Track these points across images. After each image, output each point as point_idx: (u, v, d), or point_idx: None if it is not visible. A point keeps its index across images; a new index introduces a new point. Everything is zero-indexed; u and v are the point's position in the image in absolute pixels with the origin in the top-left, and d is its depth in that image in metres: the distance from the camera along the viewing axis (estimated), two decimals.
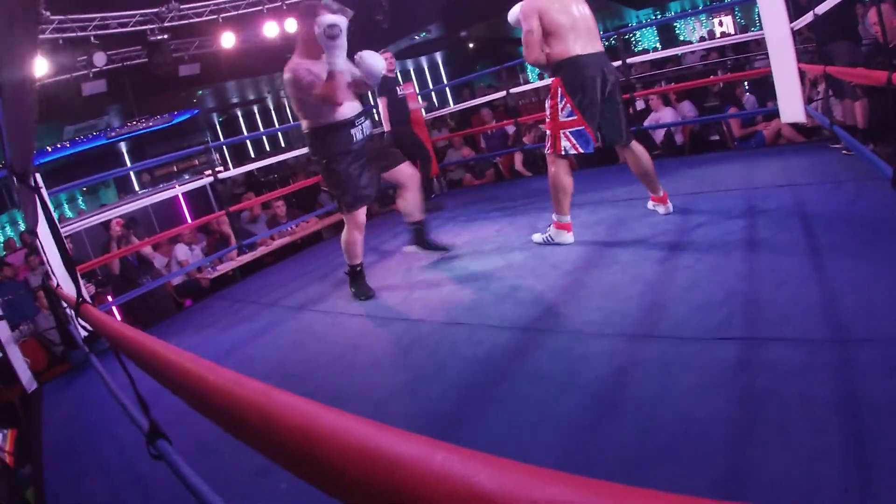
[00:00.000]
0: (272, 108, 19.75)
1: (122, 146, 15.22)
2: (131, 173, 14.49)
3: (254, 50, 9.79)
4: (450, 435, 1.71)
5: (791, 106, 4.30)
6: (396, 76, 5.70)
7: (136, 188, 14.44)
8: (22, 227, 13.13)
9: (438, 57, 17.48)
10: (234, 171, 5.96)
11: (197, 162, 15.69)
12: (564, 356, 1.98)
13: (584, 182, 5.01)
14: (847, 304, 1.84)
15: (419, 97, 5.99)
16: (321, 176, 3.18)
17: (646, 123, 6.17)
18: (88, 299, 3.53)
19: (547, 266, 2.96)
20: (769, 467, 1.25)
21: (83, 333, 3.65)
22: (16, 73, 1.35)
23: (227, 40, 9.20)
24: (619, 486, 0.27)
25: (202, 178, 6.18)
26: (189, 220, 6.86)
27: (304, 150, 7.65)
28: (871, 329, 1.66)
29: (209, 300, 4.74)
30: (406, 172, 3.32)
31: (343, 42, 2.82)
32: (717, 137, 6.21)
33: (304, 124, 3.09)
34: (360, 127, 3.08)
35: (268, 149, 19.06)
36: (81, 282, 3.51)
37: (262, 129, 19.00)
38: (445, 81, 17.38)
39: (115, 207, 5.70)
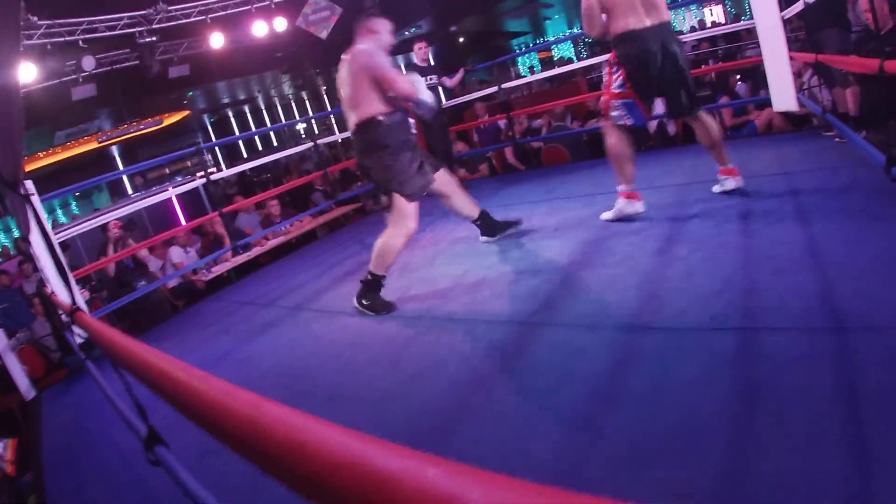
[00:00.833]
0: (263, 108, 19.69)
1: (114, 149, 15.17)
2: (124, 176, 14.44)
3: (243, 50, 9.75)
4: (449, 433, 1.70)
5: (783, 95, 4.30)
6: (429, 66, 5.70)
7: (129, 191, 14.41)
8: (16, 233, 13.08)
9: (429, 52, 17.43)
10: (226, 172, 5.94)
11: (189, 163, 15.64)
12: (563, 349, 1.98)
13: (577, 175, 5.01)
14: (844, 292, 1.84)
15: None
16: (373, 169, 3.02)
17: None
18: (83, 306, 3.51)
19: (543, 259, 2.96)
20: (768, 457, 1.25)
21: (79, 339, 3.64)
22: (1, 79, 1.33)
23: (216, 41, 9.15)
24: (614, 502, 0.26)
25: (195, 179, 6.16)
26: (182, 222, 6.83)
27: (296, 149, 7.67)
28: (868, 316, 1.66)
29: (205, 302, 4.73)
30: (443, 179, 3.25)
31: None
32: None
33: (360, 113, 2.98)
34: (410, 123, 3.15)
35: (260, 148, 19.02)
36: (76, 288, 3.50)
37: (253, 128, 18.93)
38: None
39: (108, 211, 5.68)
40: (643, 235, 2.90)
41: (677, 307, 2.03)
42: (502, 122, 7.00)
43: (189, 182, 6.09)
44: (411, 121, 3.21)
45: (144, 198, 6.35)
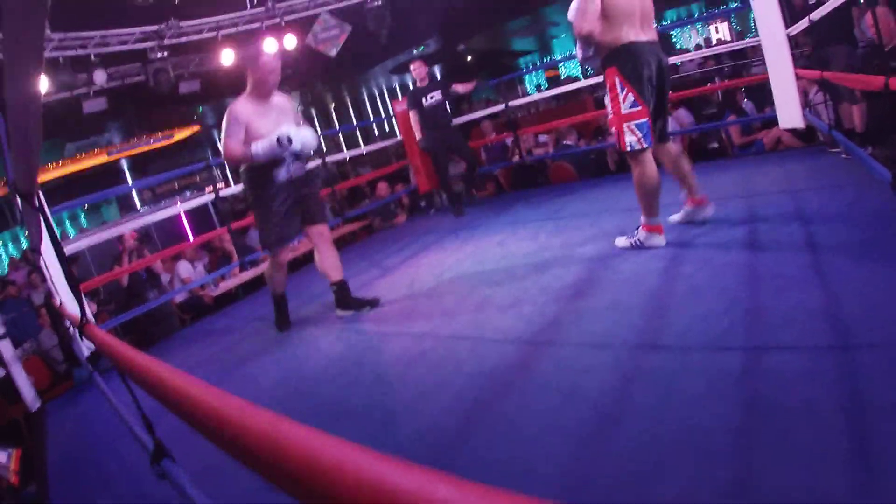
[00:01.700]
0: None
1: (124, 163, 15.30)
2: (133, 190, 14.56)
3: (251, 47, 9.85)
4: (455, 451, 1.71)
5: (789, 112, 4.32)
6: (432, 82, 5.72)
7: (138, 205, 14.51)
8: (23, 243, 13.19)
9: (437, 70, 17.58)
10: (235, 188, 5.98)
11: (198, 178, 15.76)
12: (568, 368, 1.98)
13: (584, 193, 5.03)
14: (850, 309, 1.84)
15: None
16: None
17: None
18: (92, 319, 3.54)
19: (549, 278, 2.97)
20: (774, 475, 1.25)
21: (86, 351, 3.66)
22: (21, 91, 1.35)
23: (227, 57, 9.27)
24: None
25: (203, 195, 6.22)
26: (190, 237, 6.88)
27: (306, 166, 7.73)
28: (874, 333, 1.66)
29: (213, 317, 4.75)
30: (317, 231, 3.33)
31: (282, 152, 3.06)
32: (716, 145, 6.23)
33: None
34: (283, 168, 3.15)
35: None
36: (85, 300, 3.52)
37: None
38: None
39: (118, 225, 5.73)
40: (649, 254, 2.90)
41: (682, 326, 2.04)
42: (509, 140, 7.05)
43: (198, 197, 6.14)
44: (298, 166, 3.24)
45: (153, 212, 6.40)
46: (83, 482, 2.46)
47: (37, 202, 2.32)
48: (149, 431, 1.69)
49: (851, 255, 2.25)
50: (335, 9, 9.54)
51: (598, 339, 2.13)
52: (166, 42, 8.73)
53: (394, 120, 6.88)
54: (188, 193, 12.72)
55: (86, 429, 3.15)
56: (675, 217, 3.27)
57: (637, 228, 3.06)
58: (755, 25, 4.42)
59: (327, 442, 0.43)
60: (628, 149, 2.91)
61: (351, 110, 20.91)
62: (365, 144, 15.65)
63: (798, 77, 4.20)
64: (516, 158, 6.64)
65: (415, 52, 13.92)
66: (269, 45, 9.36)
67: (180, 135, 13.55)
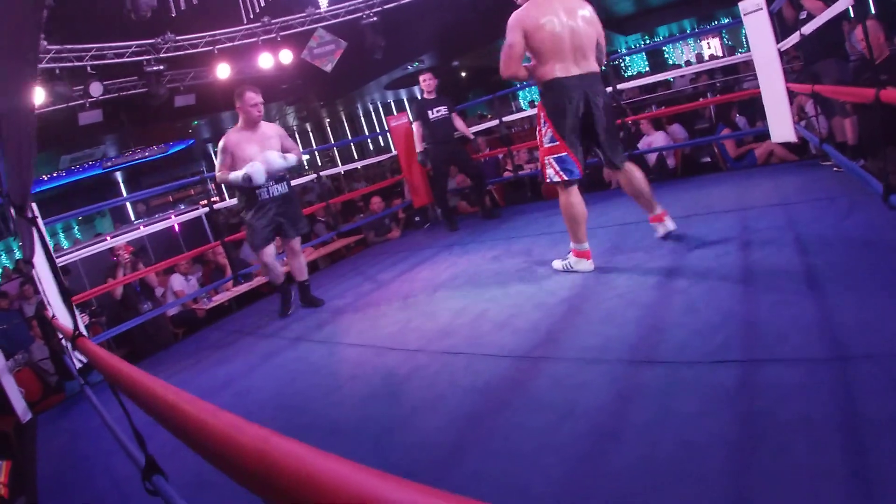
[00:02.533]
0: None
1: (118, 175, 15.29)
2: (127, 203, 14.53)
3: (249, 81, 9.88)
4: (449, 467, 1.69)
5: (781, 126, 4.36)
6: (439, 96, 5.70)
7: (132, 217, 14.47)
8: (17, 254, 13.10)
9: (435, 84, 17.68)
10: (229, 202, 5.97)
11: (192, 192, 15.75)
12: (563, 384, 1.97)
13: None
14: (844, 321, 1.85)
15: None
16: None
17: (638, 148, 6.23)
18: (85, 332, 3.51)
19: (544, 293, 2.97)
20: (771, 490, 1.24)
21: (78, 364, 3.63)
22: (15, 103, 1.35)
23: (223, 71, 9.30)
24: None
25: (197, 208, 6.21)
26: (184, 251, 6.86)
27: (300, 181, 7.74)
28: (869, 345, 1.67)
29: (205, 331, 4.72)
30: (289, 245, 4.14)
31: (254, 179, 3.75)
32: (708, 159, 6.28)
33: None
34: (264, 189, 3.87)
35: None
36: (78, 313, 3.50)
37: None
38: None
39: (112, 238, 5.71)
40: (644, 269, 2.91)
41: (678, 340, 2.04)
42: (502, 155, 7.07)
43: (192, 210, 6.13)
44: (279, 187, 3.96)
45: (147, 224, 6.38)
46: (73, 497, 2.43)
47: (30, 214, 2.31)
48: (140, 447, 1.67)
49: (845, 268, 2.27)
50: (330, 24, 9.61)
51: (593, 354, 2.13)
52: (162, 55, 8.77)
53: (388, 135, 6.89)
54: (182, 206, 12.72)
55: (77, 442, 3.11)
56: (657, 234, 3.33)
57: (569, 252, 3.21)
58: (747, 41, 4.46)
59: (319, 458, 0.42)
60: (548, 180, 3.10)
61: (346, 125, 21.00)
62: (360, 159, 15.69)
63: (790, 91, 4.24)
64: (508, 174, 6.66)
65: (409, 68, 14.02)
66: (265, 61, 9.42)
67: (175, 148, 13.54)
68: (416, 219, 6.97)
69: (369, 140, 20.47)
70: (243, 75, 9.62)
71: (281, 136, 4.06)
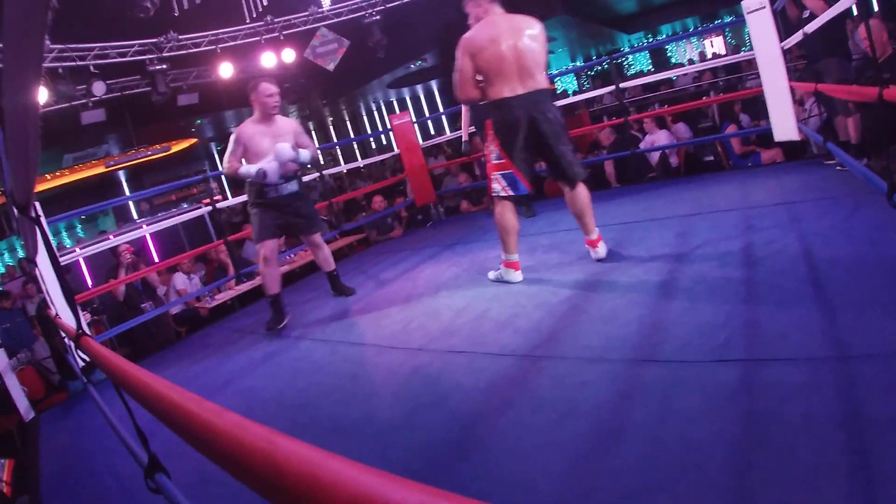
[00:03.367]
0: None
1: (121, 174, 15.30)
2: (130, 201, 14.56)
3: (252, 79, 9.90)
4: (452, 466, 1.70)
5: (784, 124, 4.35)
6: None
7: (135, 216, 14.49)
8: (20, 253, 13.13)
9: (434, 85, 17.68)
10: (232, 201, 5.98)
11: (195, 191, 15.77)
12: (565, 383, 1.98)
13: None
14: (847, 321, 1.85)
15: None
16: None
17: (641, 146, 6.23)
18: (88, 331, 3.52)
19: (546, 292, 2.97)
20: (773, 489, 1.24)
21: (81, 363, 3.64)
22: (20, 101, 1.34)
23: (226, 70, 9.31)
24: None
25: (200, 207, 6.22)
26: (187, 249, 6.87)
27: (303, 179, 7.75)
28: (871, 344, 1.67)
29: (208, 329, 4.73)
30: (309, 240, 4.01)
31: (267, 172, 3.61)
32: (711, 158, 6.27)
33: None
34: (274, 186, 3.74)
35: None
36: (81, 312, 3.51)
37: None
38: (441, 109, 17.57)
39: (115, 236, 5.72)
40: (646, 268, 2.91)
41: (680, 340, 2.04)
42: None
43: (194, 209, 6.14)
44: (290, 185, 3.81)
45: (150, 223, 6.39)
46: (76, 495, 2.44)
47: (33, 213, 2.31)
48: (143, 445, 1.68)
49: (848, 267, 2.26)
50: (333, 23, 9.61)
51: (594, 352, 2.13)
52: (165, 54, 8.78)
53: (391, 134, 6.89)
54: (185, 205, 12.73)
55: (79, 441, 3.12)
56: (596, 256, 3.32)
57: (500, 264, 3.32)
58: (749, 39, 4.45)
59: (323, 457, 0.42)
60: (494, 195, 3.18)
61: (349, 124, 20.99)
62: (362, 158, 15.67)
63: (793, 90, 4.23)
64: None
65: (412, 66, 13.99)
66: (267, 60, 9.42)
67: (178, 147, 13.57)
68: (419, 217, 6.97)
69: (371, 139, 20.46)
70: (246, 74, 9.63)
71: (296, 133, 3.89)
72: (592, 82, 19.45)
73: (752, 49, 4.48)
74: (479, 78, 3.08)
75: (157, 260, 7.16)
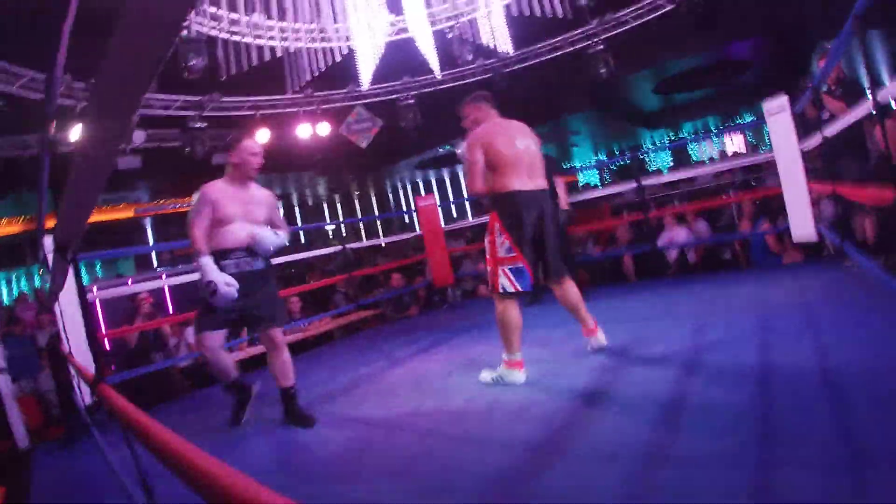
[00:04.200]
0: (296, 206, 20.24)
1: (147, 219, 15.58)
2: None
3: (285, 147, 10.24)
4: None
5: (802, 225, 4.40)
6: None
7: (154, 263, 14.68)
8: (36, 281, 13.25)
9: (459, 169, 18.16)
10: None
11: None
12: (576, 479, 1.93)
13: (596, 300, 4.95)
14: (865, 422, 1.84)
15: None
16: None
17: (659, 243, 6.28)
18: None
19: (561, 384, 2.94)
20: None
21: (84, 402, 3.61)
22: (102, 152, 1.35)
23: (262, 136, 9.65)
24: None
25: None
26: None
27: (326, 250, 7.87)
28: (891, 450, 1.65)
29: (215, 387, 4.67)
30: (272, 338, 3.15)
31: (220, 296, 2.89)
32: (728, 256, 6.30)
33: None
34: (234, 261, 3.05)
35: (287, 244, 19.40)
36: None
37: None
38: (465, 195, 17.93)
39: (134, 282, 5.81)
40: (662, 364, 2.90)
41: (694, 440, 2.00)
42: None
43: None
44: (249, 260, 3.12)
45: (170, 274, 6.49)
46: None
47: (70, 255, 2.37)
48: (148, 496, 1.66)
49: (865, 370, 2.26)
50: (369, 103, 10.03)
51: (606, 449, 2.09)
52: (206, 113, 9.14)
53: (415, 214, 7.02)
54: None
55: (74, 480, 3.06)
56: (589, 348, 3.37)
57: (500, 364, 3.16)
58: (769, 138, 4.57)
59: None
60: (500, 291, 3.10)
61: (373, 199, 21.39)
62: (384, 235, 15.91)
63: (811, 191, 4.30)
64: None
65: (440, 150, 14.40)
66: (303, 131, 9.78)
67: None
68: (436, 298, 7.00)
69: (395, 218, 20.79)
70: (281, 141, 9.98)
71: (271, 207, 3.27)
72: (613, 177, 19.86)
73: (771, 148, 4.58)
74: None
75: (171, 311, 7.21)
